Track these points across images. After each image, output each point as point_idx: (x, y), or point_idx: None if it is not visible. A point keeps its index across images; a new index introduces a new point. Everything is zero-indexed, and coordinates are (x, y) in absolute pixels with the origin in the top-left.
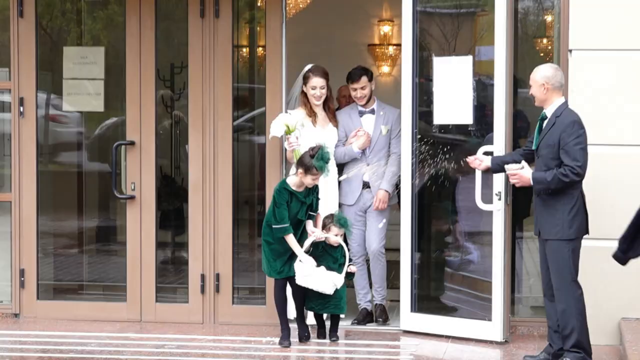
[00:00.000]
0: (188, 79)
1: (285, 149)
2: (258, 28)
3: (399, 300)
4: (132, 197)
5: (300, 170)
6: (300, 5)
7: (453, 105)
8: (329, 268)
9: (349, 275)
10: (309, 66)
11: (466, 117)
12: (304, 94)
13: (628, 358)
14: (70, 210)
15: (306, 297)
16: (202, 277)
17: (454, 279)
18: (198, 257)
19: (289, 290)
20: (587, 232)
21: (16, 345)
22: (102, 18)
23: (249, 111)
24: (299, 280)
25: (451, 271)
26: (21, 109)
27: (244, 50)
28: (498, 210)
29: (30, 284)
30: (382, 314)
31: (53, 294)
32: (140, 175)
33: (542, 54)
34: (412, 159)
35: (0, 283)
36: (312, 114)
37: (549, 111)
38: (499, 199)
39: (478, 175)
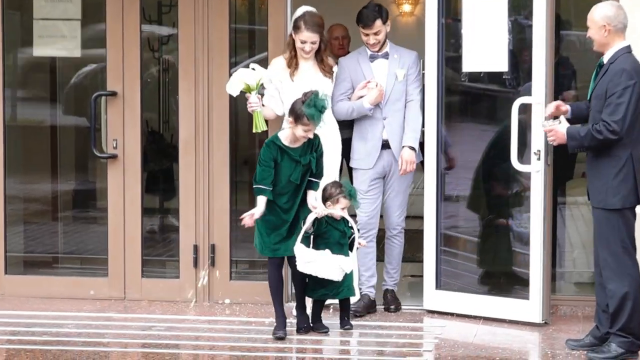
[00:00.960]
0: (178, 19)
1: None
2: None
3: (421, 276)
4: (113, 156)
5: (290, 119)
6: None
7: (485, 50)
8: (339, 245)
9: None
10: (301, 10)
11: (500, 63)
12: (292, 38)
13: None
14: (42, 172)
15: (310, 283)
16: (195, 248)
17: (486, 250)
18: (190, 225)
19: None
20: (638, 202)
21: None
22: None
23: (248, 57)
24: (301, 267)
25: (482, 241)
26: None
27: None
28: (537, 172)
29: None
30: (393, 301)
31: (23, 268)
32: (123, 130)
33: None
34: (438, 112)
35: None
36: (292, 63)
37: (606, 57)
38: (538, 159)
39: (513, 130)
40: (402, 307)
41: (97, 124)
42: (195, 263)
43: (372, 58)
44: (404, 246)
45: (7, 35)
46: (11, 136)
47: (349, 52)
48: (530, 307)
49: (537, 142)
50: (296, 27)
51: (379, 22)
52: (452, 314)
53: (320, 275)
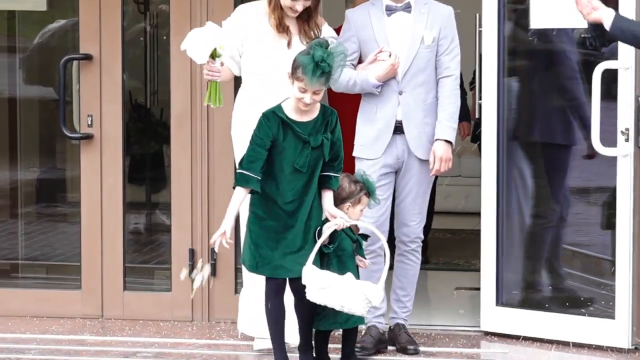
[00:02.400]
0: None
1: None
2: None
3: (478, 289)
4: (88, 137)
5: (288, 73)
6: None
7: (559, 1)
8: (353, 260)
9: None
10: None
11: (578, 18)
12: None
13: None
14: None
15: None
16: (192, 253)
17: (560, 256)
18: (185, 224)
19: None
20: None
21: None
22: None
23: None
24: (312, 295)
25: (554, 246)
26: None
27: None
28: (625, 156)
29: None
30: (409, 340)
31: None
32: (100, 104)
33: None
34: (499, 79)
35: None
36: (283, 29)
37: None
38: (626, 140)
39: (595, 104)
40: (457, 328)
41: (67, 96)
42: (192, 272)
43: (390, 10)
44: (422, 262)
45: None
46: None
47: None
48: (617, 328)
49: (624, 119)
50: None
51: None
52: (517, 337)
53: (338, 307)
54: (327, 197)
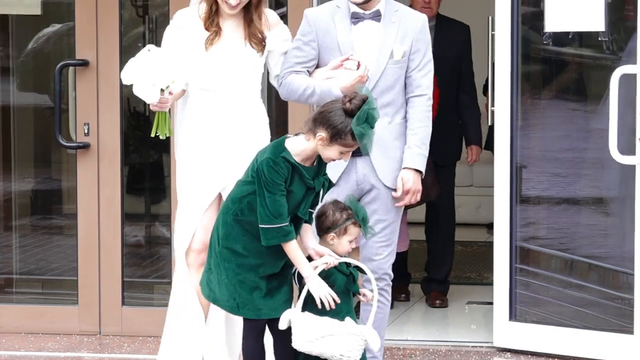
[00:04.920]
0: None
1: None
2: None
3: (490, 303)
4: (85, 146)
5: (322, 135)
6: None
7: (575, 3)
8: (346, 295)
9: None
10: None
11: (595, 21)
12: None
13: None
14: None
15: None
16: None
17: (575, 269)
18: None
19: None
20: None
21: None
22: None
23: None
24: (302, 345)
25: (570, 258)
26: None
27: None
28: None
29: None
30: None
31: None
32: (97, 112)
33: None
34: (513, 86)
35: None
36: (212, 24)
37: None
38: None
39: (613, 110)
40: (469, 344)
41: (63, 104)
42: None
43: (356, 18)
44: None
45: None
46: None
47: (439, 15)
48: (635, 343)
49: None
50: None
51: None
52: (530, 353)
53: (328, 357)
54: (308, 232)
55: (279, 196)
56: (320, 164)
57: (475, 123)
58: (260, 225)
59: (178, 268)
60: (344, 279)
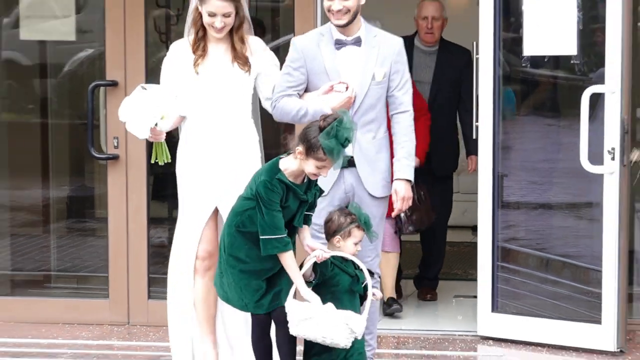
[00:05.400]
0: None
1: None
2: None
3: (474, 297)
4: (114, 157)
5: (299, 149)
6: None
7: (550, 30)
8: (350, 294)
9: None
10: None
11: (568, 46)
12: (198, 13)
13: None
14: (31, 176)
15: (306, 349)
16: None
17: (551, 266)
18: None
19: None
20: None
21: None
22: None
23: (271, 39)
24: (294, 329)
25: (546, 256)
26: None
27: None
28: (611, 174)
29: None
30: None
31: (10, 288)
32: (125, 127)
33: None
34: (495, 103)
35: None
36: (198, 48)
37: None
38: (612, 158)
39: (584, 125)
40: (456, 333)
41: (95, 119)
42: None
43: (339, 44)
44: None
45: None
46: None
47: (442, 40)
48: (603, 332)
49: (611, 139)
50: None
51: None
52: (511, 341)
53: (319, 340)
54: (305, 232)
55: (276, 212)
56: (310, 179)
57: (475, 137)
58: (261, 237)
59: (174, 275)
60: (349, 279)
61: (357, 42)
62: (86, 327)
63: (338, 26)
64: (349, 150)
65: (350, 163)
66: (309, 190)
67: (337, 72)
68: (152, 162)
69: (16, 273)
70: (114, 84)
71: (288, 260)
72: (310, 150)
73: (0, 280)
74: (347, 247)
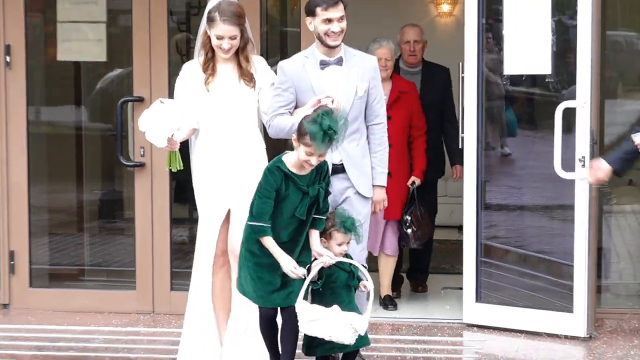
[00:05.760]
0: None
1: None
2: None
3: (460, 288)
4: (141, 165)
5: (294, 136)
6: None
7: (527, 51)
8: (347, 289)
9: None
10: (216, 0)
11: (543, 66)
12: (207, 37)
13: None
14: (67, 181)
15: (308, 342)
16: None
17: (528, 261)
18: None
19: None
20: None
21: (6, 341)
22: None
23: (280, 59)
24: (304, 328)
25: (524, 253)
26: (7, 58)
27: None
28: (582, 180)
29: (22, 269)
30: None
31: (48, 281)
32: None
33: None
34: (478, 117)
35: None
36: (207, 67)
37: None
38: (583, 166)
39: (557, 136)
40: (444, 321)
41: (123, 131)
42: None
43: (323, 64)
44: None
45: (29, 38)
46: (35, 144)
47: (424, 61)
48: (575, 320)
49: (581, 148)
50: (210, 20)
51: (341, 6)
52: (492, 328)
53: (326, 338)
54: (314, 237)
55: (266, 199)
56: (317, 174)
57: (458, 147)
58: (247, 222)
59: (198, 271)
60: (345, 275)
61: (339, 62)
62: (116, 316)
63: (332, 47)
64: (336, 157)
65: (337, 170)
66: (314, 184)
67: (323, 89)
68: (166, 168)
69: (54, 267)
70: (140, 99)
71: (268, 244)
72: (300, 136)
73: (40, 273)
74: (332, 247)
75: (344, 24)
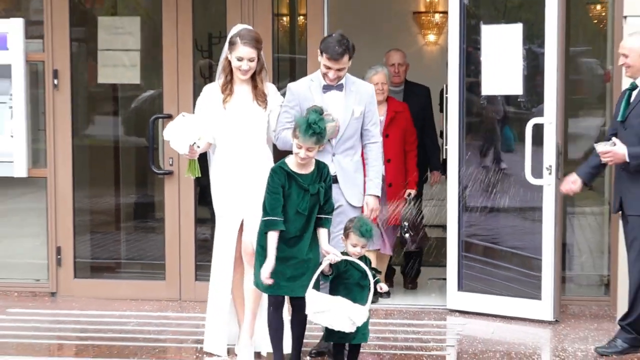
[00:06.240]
0: None
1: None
2: None
3: (444, 279)
4: (170, 173)
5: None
6: None
7: (502, 75)
8: (359, 287)
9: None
10: (237, 28)
11: (516, 87)
12: (227, 61)
13: None
14: (106, 186)
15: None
16: None
17: (503, 255)
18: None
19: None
20: None
21: (54, 325)
22: None
23: (290, 82)
24: (311, 317)
25: (499, 248)
26: (55, 81)
27: (285, 19)
28: (548, 185)
29: (67, 262)
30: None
31: (90, 272)
32: None
33: (595, 21)
34: (460, 132)
35: (37, 261)
36: (226, 89)
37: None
38: (550, 173)
39: (528, 148)
40: (430, 307)
41: (155, 144)
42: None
43: (326, 88)
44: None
45: (74, 64)
46: (78, 155)
47: (406, 81)
48: (543, 306)
49: (548, 158)
50: (231, 44)
51: (346, 58)
52: (472, 313)
53: (330, 327)
54: (322, 235)
55: (273, 196)
56: (317, 175)
57: (436, 156)
58: (261, 218)
59: (216, 269)
60: (358, 274)
61: (340, 87)
62: (148, 302)
63: (330, 80)
64: (331, 169)
65: (332, 181)
66: (314, 183)
67: (325, 109)
68: (186, 176)
69: (95, 261)
70: (169, 116)
71: (270, 237)
72: (293, 130)
73: (83, 266)
74: (348, 247)
75: (342, 73)
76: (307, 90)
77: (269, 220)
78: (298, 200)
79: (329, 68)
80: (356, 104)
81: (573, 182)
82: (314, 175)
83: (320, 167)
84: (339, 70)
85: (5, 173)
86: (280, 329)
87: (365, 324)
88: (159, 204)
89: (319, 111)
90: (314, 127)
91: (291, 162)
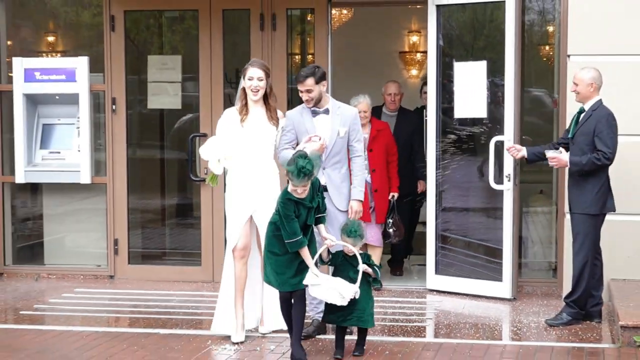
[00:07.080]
0: None
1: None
2: (308, 39)
3: (424, 264)
4: (204, 180)
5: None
6: (343, 19)
7: (470, 102)
8: (349, 279)
9: (375, 282)
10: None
11: (481, 111)
12: (243, 90)
13: (616, 312)
14: (154, 191)
15: (325, 309)
16: None
17: (471, 246)
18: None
19: None
20: (613, 209)
21: (112, 302)
22: (180, 31)
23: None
24: (310, 291)
25: (469, 240)
26: (113, 107)
27: (297, 57)
28: (508, 190)
29: (123, 251)
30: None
31: (141, 259)
32: None
33: (544, 59)
34: (436, 147)
35: (98, 250)
36: (243, 110)
37: (587, 106)
38: (509, 180)
39: (491, 160)
40: (413, 287)
41: (192, 157)
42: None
43: (314, 113)
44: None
45: (129, 93)
46: (133, 166)
47: (400, 107)
48: (503, 287)
49: (508, 168)
50: (244, 70)
51: (310, 81)
52: (447, 292)
53: (322, 299)
54: (321, 228)
55: (292, 221)
56: (313, 191)
57: (423, 170)
58: (286, 241)
59: (227, 259)
60: (351, 268)
61: (326, 112)
62: (187, 284)
63: (310, 107)
64: (322, 180)
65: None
66: (314, 199)
67: (314, 130)
68: (206, 183)
69: (145, 250)
70: (204, 135)
71: (303, 252)
72: (287, 175)
73: (136, 254)
74: (348, 245)
75: (312, 94)
76: (299, 115)
77: (296, 241)
78: (305, 218)
79: (300, 91)
80: (341, 125)
81: (518, 150)
82: (311, 193)
83: (312, 183)
84: (307, 91)
85: (74, 180)
86: (289, 315)
87: (364, 309)
88: (196, 205)
89: (304, 155)
90: (304, 170)
91: (293, 191)
